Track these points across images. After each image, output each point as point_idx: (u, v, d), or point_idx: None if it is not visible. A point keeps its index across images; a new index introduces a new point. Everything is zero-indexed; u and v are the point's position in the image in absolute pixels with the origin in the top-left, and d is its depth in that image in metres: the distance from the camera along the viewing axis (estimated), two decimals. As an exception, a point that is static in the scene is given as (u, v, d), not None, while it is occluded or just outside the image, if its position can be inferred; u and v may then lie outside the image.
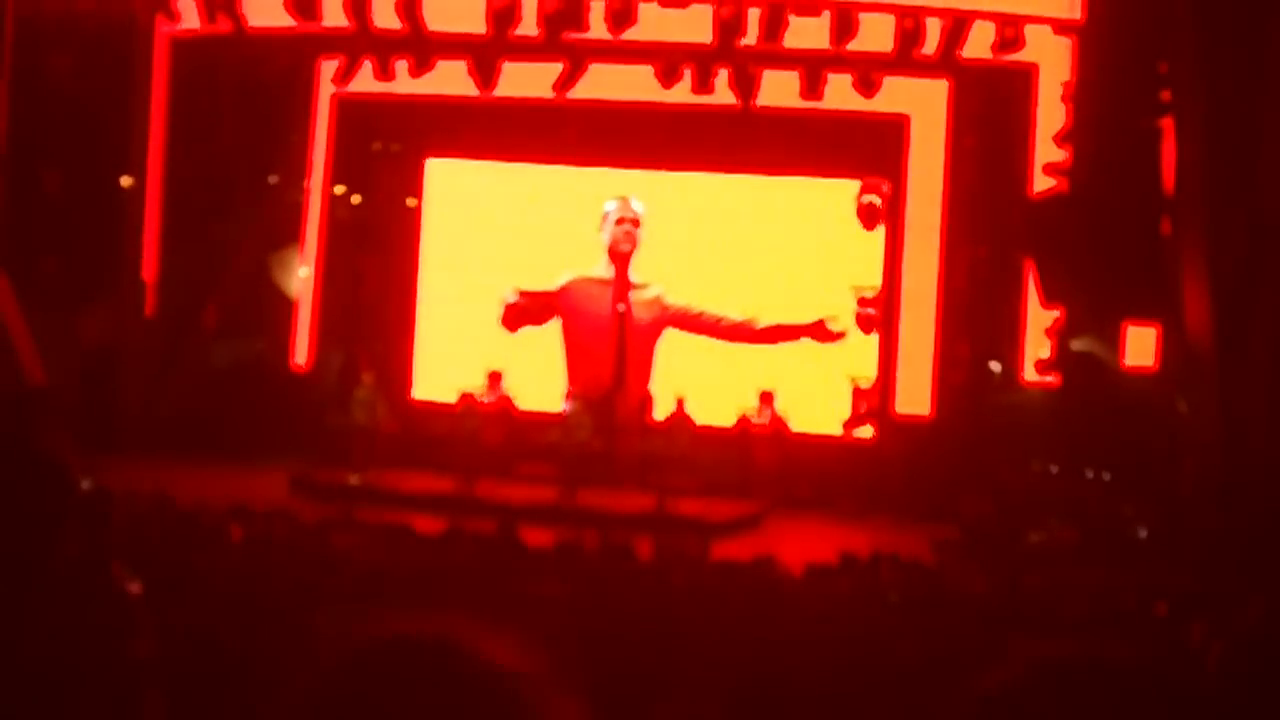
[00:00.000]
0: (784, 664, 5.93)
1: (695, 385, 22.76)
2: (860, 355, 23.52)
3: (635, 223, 24.10)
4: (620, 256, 24.10)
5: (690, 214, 24.37)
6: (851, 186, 23.57)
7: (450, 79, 23.46)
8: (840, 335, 23.40)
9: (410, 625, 2.00)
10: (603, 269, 24.16)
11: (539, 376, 23.63)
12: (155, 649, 4.84)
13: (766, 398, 22.92)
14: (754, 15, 21.09)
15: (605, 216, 24.16)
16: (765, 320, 23.67)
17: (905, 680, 5.71)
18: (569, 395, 23.21)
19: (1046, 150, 20.93)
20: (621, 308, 23.90)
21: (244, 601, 8.18)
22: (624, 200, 24.12)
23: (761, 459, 22.35)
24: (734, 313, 23.81)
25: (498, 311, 24.25)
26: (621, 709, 5.11)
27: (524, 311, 24.16)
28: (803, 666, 5.84)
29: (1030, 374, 21.92)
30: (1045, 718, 1.56)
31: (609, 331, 23.91)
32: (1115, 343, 21.05)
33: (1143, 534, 19.18)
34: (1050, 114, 21.02)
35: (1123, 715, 1.54)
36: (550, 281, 24.27)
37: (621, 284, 24.07)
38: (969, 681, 1.69)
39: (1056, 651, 1.60)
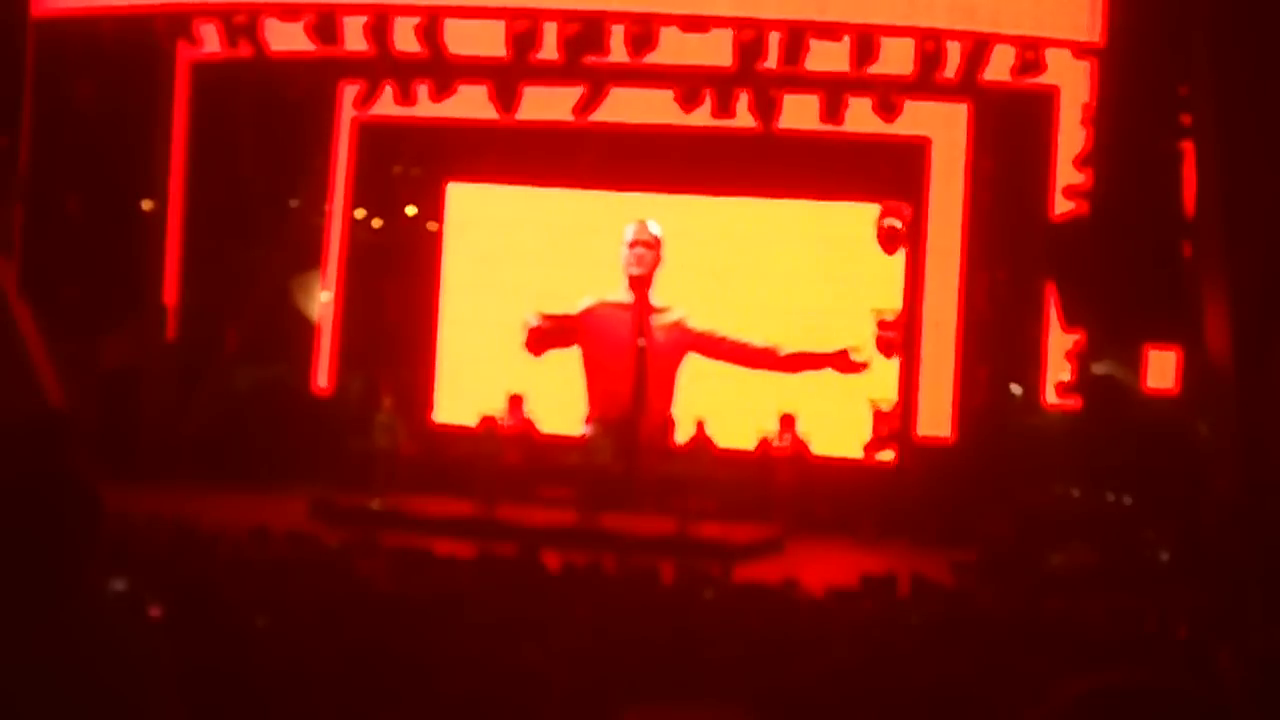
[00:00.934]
0: (806, 686, 5.92)
1: (716, 408, 22.78)
2: (881, 378, 23.50)
3: (650, 245, 24.11)
4: (637, 280, 24.11)
5: (711, 237, 24.36)
6: (872, 210, 23.57)
7: (471, 103, 23.50)
8: (864, 366, 23.38)
9: None
10: (623, 293, 24.17)
11: (560, 400, 23.65)
12: (175, 672, 4.83)
13: (787, 421, 22.90)
14: (774, 39, 21.06)
15: (624, 240, 24.21)
16: (788, 347, 23.66)
17: (927, 702, 5.69)
18: (589, 419, 23.23)
19: (1067, 173, 20.89)
20: (642, 342, 23.89)
21: (261, 632, 8.18)
22: (641, 223, 24.15)
23: (783, 482, 22.33)
24: (757, 338, 23.80)
25: (519, 335, 24.29)
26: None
27: (547, 335, 24.19)
28: (825, 689, 5.82)
29: (1051, 397, 21.87)
30: None
31: (629, 355, 23.90)
32: (1136, 366, 21.02)
33: (1164, 557, 19.14)
34: (1071, 137, 20.99)
35: None
36: (572, 306, 24.29)
37: (641, 307, 24.06)
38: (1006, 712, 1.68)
39: (1099, 685, 1.54)
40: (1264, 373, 19.79)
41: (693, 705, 1.75)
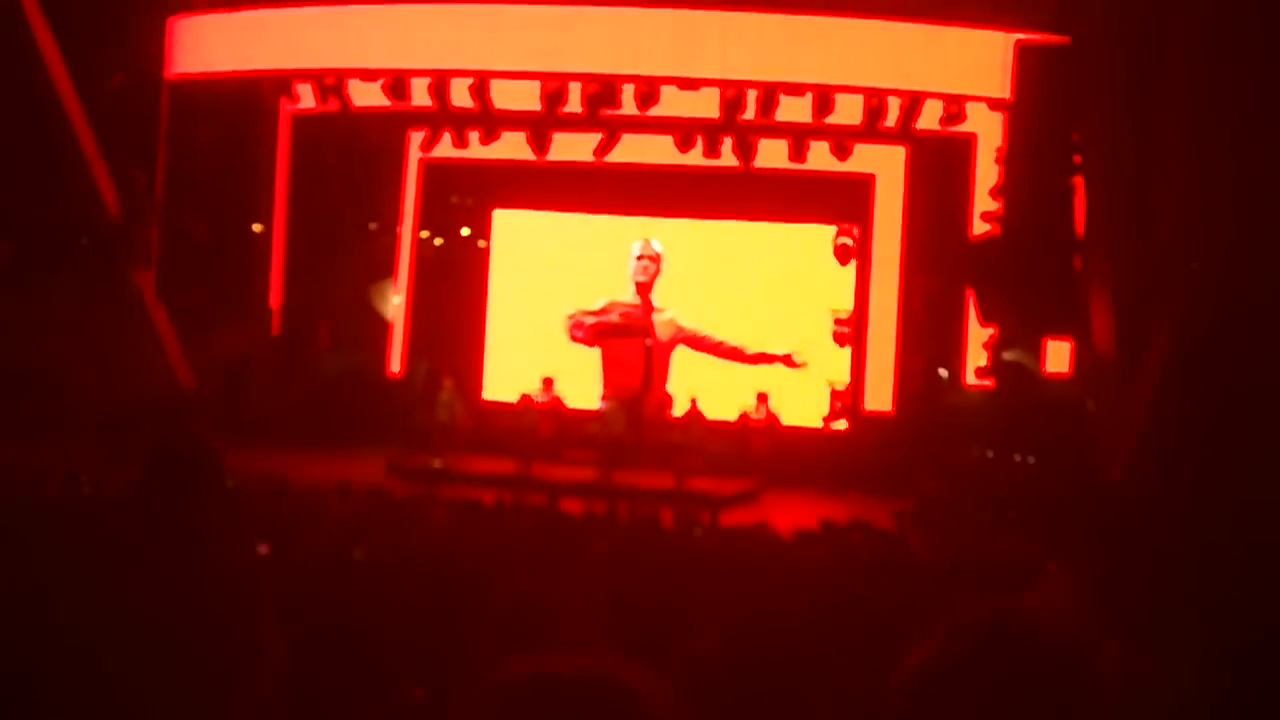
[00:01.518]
0: (774, 609, 5.93)
1: (706, 388, 22.79)
2: (836, 365, 23.53)
3: (653, 259, 24.16)
4: (642, 286, 24.16)
5: (701, 253, 24.38)
6: (829, 230, 23.58)
7: (512, 146, 23.52)
8: (803, 365, 23.47)
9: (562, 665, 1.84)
10: (631, 296, 24.20)
11: (581, 382, 23.66)
12: (275, 600, 4.86)
13: (762, 398, 22.96)
14: (752, 95, 21.11)
15: (632, 254, 24.24)
16: (753, 347, 23.81)
17: (870, 622, 5.72)
18: (605, 397, 23.24)
19: (983, 202, 20.89)
20: (649, 342, 23.88)
21: (346, 565, 8.20)
22: (646, 241, 24.19)
23: (758, 446, 22.36)
24: (731, 338, 23.88)
25: (552, 330, 24.31)
26: (646, 642, 5.12)
27: (605, 330, 24.23)
28: (789, 611, 5.84)
29: (971, 379, 21.90)
30: (966, 677, 1.49)
31: (638, 347, 23.93)
32: (1038, 354, 21.05)
33: (1060, 506, 19.14)
34: (986, 173, 20.99)
35: (1025, 664, 1.49)
36: (590, 304, 24.33)
37: (645, 308, 24.11)
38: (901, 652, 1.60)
39: (969, 615, 1.53)
40: (1138, 360, 19.81)
41: (567, 654, 1.60)
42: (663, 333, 24.07)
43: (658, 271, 24.18)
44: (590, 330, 24.28)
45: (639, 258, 24.27)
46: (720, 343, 23.94)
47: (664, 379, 23.83)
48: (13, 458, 16.14)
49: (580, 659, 1.81)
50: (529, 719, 1.74)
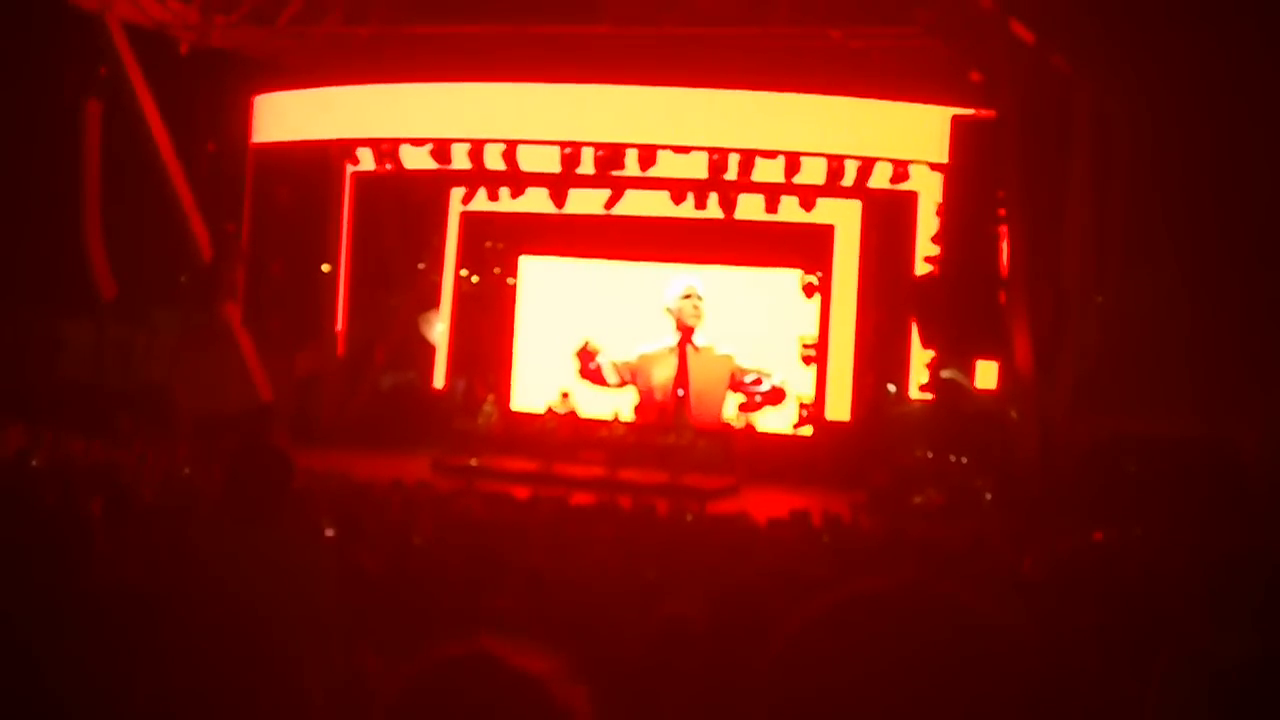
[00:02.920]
0: (751, 580, 5.95)
1: (698, 399, 22.86)
2: (803, 381, 23.47)
3: (699, 299, 23.80)
4: (686, 326, 23.91)
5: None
6: (797, 272, 23.51)
7: (536, 201, 23.51)
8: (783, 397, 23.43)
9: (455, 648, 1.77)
10: (672, 333, 23.92)
11: (593, 396, 23.69)
12: (338, 574, 4.89)
13: (749, 404, 23.16)
14: (733, 159, 21.13)
15: (676, 294, 23.95)
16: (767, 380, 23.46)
17: (828, 591, 5.71)
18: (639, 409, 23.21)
19: (925, 247, 20.87)
20: (680, 392, 23.61)
21: (401, 544, 8.23)
22: (690, 285, 23.82)
23: (739, 449, 22.30)
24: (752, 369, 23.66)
25: (570, 354, 24.25)
26: (644, 605, 5.15)
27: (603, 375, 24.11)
28: (763, 582, 5.86)
29: (914, 393, 21.85)
30: (843, 655, 1.35)
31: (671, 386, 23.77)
32: (969, 372, 21.08)
33: (988, 496, 19.17)
34: (927, 224, 20.96)
35: (910, 637, 1.34)
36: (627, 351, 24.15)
37: (683, 342, 23.88)
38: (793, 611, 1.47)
39: (864, 588, 1.42)
40: (1051, 378, 19.86)
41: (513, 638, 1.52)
42: (698, 366, 23.80)
43: (699, 313, 23.92)
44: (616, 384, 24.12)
45: (685, 297, 23.94)
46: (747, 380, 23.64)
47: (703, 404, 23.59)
48: (123, 458, 16.19)
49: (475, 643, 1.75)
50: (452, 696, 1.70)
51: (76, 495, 8.84)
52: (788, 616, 1.44)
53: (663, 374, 23.75)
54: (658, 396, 23.47)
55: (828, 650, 1.35)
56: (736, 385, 23.50)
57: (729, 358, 23.67)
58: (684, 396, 23.49)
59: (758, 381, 23.44)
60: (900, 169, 20.91)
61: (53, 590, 4.77)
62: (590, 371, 24.24)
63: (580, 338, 24.42)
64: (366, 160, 23.59)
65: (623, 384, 23.98)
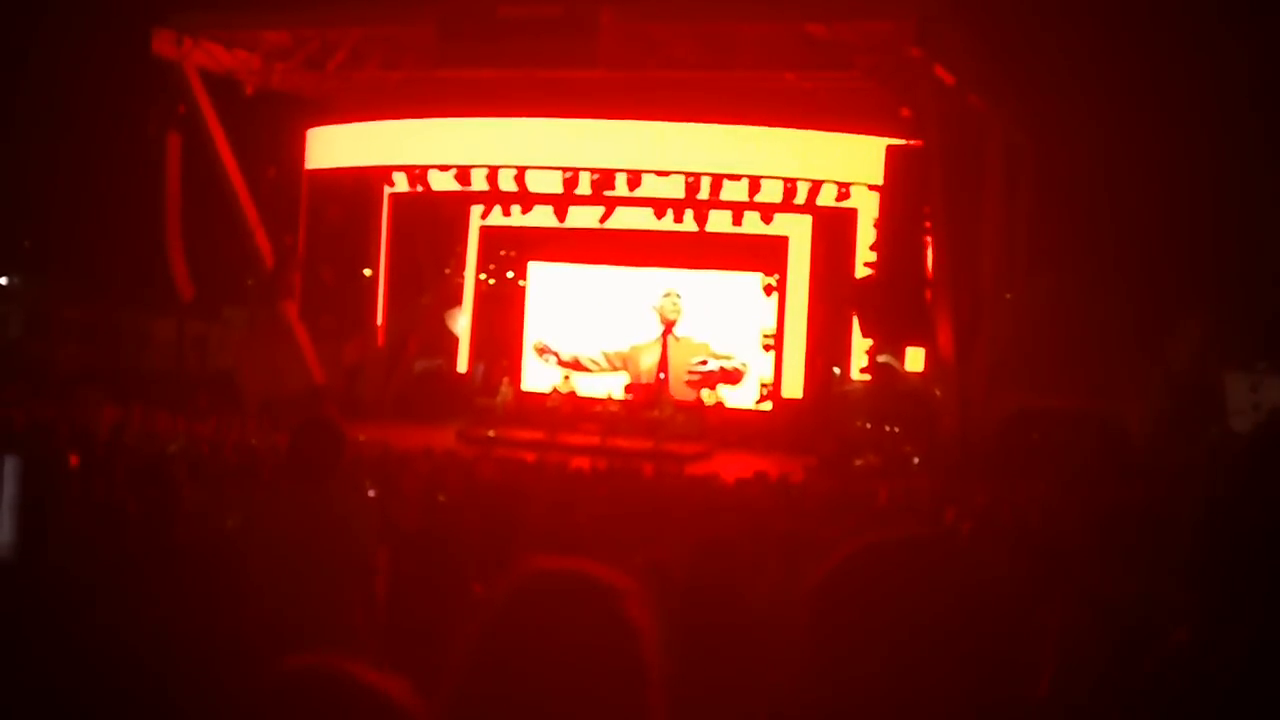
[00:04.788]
0: (722, 531, 5.96)
1: (676, 380, 22.85)
2: (765, 365, 23.47)
3: (678, 298, 23.76)
4: (669, 321, 23.77)
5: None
6: (759, 275, 23.49)
7: (542, 216, 23.46)
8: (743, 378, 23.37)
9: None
10: (656, 327, 23.81)
11: (590, 379, 23.67)
12: (381, 527, 4.89)
13: (698, 382, 23.19)
14: (706, 180, 21.13)
15: (659, 295, 23.82)
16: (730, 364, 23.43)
17: (786, 540, 5.74)
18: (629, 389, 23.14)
19: (864, 254, 20.90)
20: (662, 375, 23.47)
21: (431, 502, 8.21)
22: (669, 288, 23.79)
23: (710, 421, 22.31)
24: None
25: (570, 344, 24.20)
26: (630, 554, 5.13)
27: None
28: (733, 533, 5.87)
29: (855, 375, 21.89)
30: (866, 586, 1.40)
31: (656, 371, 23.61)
32: (901, 357, 21.10)
33: (916, 461, 19.22)
34: (866, 234, 20.97)
35: (915, 578, 1.39)
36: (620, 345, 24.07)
37: (665, 334, 23.75)
38: (810, 567, 1.48)
39: (870, 540, 1.45)
40: (969, 362, 19.89)
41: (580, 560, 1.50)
42: (677, 353, 23.59)
43: (678, 309, 23.80)
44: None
45: (666, 296, 23.75)
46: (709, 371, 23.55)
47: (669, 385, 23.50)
48: (202, 430, 16.15)
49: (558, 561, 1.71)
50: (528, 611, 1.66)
51: (164, 461, 8.82)
52: (786, 556, 1.48)
53: (648, 360, 23.72)
54: (644, 379, 23.43)
55: (854, 586, 1.41)
56: (691, 371, 23.46)
57: (705, 345, 23.67)
58: (665, 379, 23.47)
59: (703, 363, 23.45)
60: (844, 189, 20.94)
61: (147, 542, 4.76)
62: (564, 363, 24.09)
63: (538, 338, 24.44)
64: (401, 183, 23.54)
65: (615, 370, 23.94)
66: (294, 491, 4.63)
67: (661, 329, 23.86)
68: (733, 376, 23.43)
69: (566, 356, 24.21)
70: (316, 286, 24.05)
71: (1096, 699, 3.17)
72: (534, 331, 24.73)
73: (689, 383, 23.27)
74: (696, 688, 2.84)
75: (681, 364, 23.56)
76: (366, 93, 22.67)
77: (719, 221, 22.40)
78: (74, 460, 5.67)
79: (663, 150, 21.48)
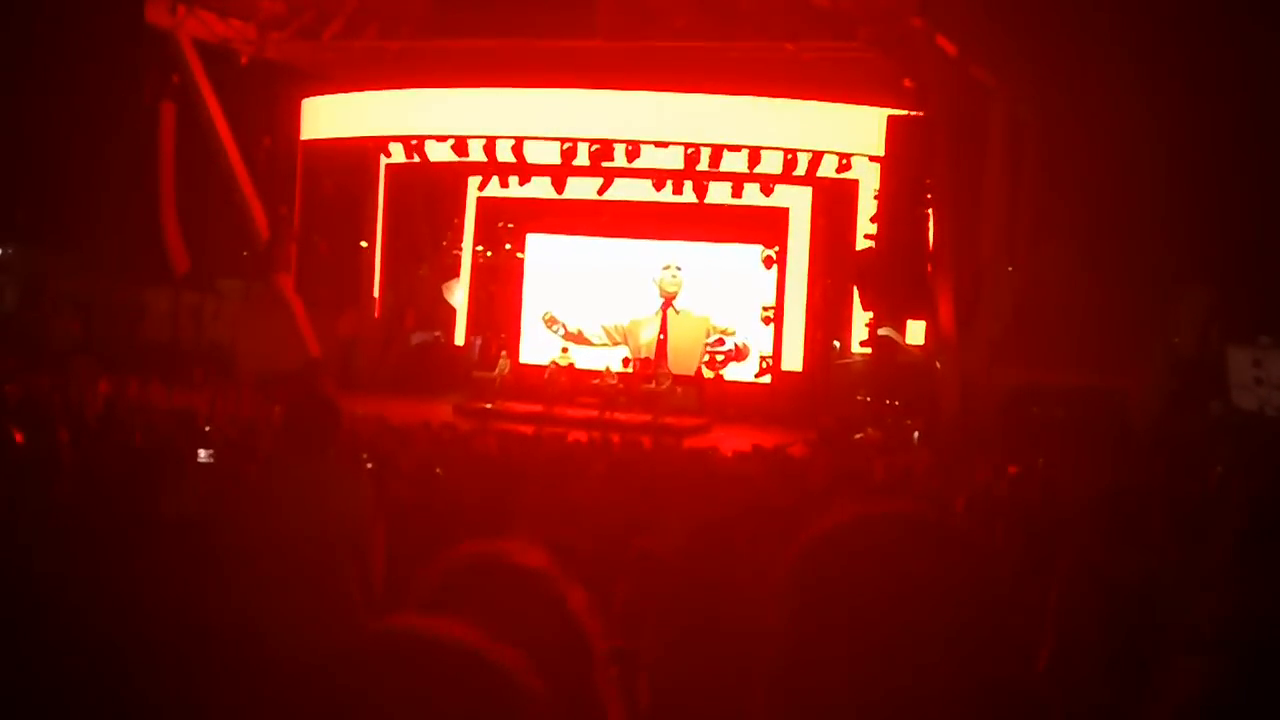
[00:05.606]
0: (721, 507, 5.95)
1: (677, 355, 22.87)
2: (764, 338, 23.49)
3: (678, 271, 23.72)
4: (669, 294, 23.79)
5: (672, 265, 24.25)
6: (759, 247, 23.50)
7: (540, 187, 23.43)
8: (746, 354, 23.33)
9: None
10: (656, 300, 23.77)
11: (588, 353, 23.66)
12: (378, 499, 4.89)
13: (712, 362, 23.06)
14: (705, 152, 21.08)
15: (659, 268, 23.78)
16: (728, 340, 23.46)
17: (785, 516, 5.73)
18: (627, 363, 23.12)
19: (865, 226, 20.88)
20: (662, 335, 23.51)
21: (428, 475, 8.22)
22: (670, 262, 23.76)
23: (709, 394, 22.34)
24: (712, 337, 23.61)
25: (569, 316, 24.19)
26: (625, 530, 5.14)
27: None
28: (732, 510, 5.86)
29: (856, 348, 21.90)
30: (854, 559, 1.36)
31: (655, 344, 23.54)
32: (902, 330, 21.11)
33: (917, 435, 19.24)
34: (866, 206, 20.96)
35: (908, 552, 1.36)
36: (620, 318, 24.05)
37: (665, 307, 23.76)
38: (804, 528, 1.46)
39: (860, 510, 1.42)
40: (969, 335, 19.90)
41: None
42: (677, 326, 23.56)
43: (678, 281, 23.78)
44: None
45: (665, 268, 23.72)
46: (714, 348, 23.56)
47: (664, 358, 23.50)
48: (197, 402, 16.14)
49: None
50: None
51: (157, 433, 8.82)
52: (785, 534, 1.43)
53: (648, 334, 23.71)
54: (643, 353, 23.43)
55: (841, 557, 1.37)
56: (707, 351, 23.44)
57: (705, 319, 23.66)
58: (663, 352, 23.48)
59: (719, 342, 23.45)
60: (844, 161, 20.88)
61: (141, 513, 4.76)
62: (570, 335, 24.08)
63: (545, 309, 24.37)
64: (398, 153, 23.46)
65: (614, 344, 23.94)
66: (291, 464, 4.64)
67: (661, 302, 23.85)
68: (742, 354, 23.47)
69: (573, 329, 24.22)
70: (312, 258, 24.02)
71: (1094, 675, 3.18)
72: (539, 303, 24.71)
73: (707, 363, 23.27)
74: (687, 678, 2.84)
75: (681, 337, 23.56)
76: (362, 62, 22.57)
77: (719, 193, 22.37)
78: (64, 436, 5.66)
79: (662, 121, 21.40)
